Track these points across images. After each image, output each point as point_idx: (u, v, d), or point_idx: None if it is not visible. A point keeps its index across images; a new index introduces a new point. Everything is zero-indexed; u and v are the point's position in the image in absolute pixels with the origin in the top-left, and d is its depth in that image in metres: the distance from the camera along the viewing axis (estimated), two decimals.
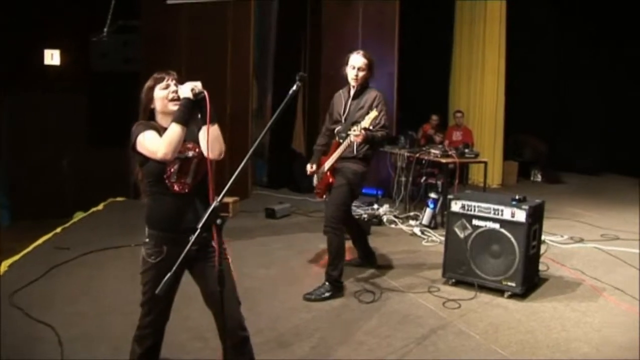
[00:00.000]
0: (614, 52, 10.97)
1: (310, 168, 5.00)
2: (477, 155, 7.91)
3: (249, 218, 7.46)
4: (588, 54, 11.09)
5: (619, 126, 11.09)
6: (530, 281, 4.85)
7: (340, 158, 4.75)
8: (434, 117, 10.10)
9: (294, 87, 2.72)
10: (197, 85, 2.76)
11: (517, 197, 4.79)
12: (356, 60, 4.70)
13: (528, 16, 10.30)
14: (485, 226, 4.80)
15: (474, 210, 4.85)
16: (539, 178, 11.10)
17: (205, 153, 2.74)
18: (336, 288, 4.73)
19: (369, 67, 4.71)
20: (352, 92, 4.78)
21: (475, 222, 4.85)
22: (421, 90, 10.18)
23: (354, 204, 6.27)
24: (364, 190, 7.23)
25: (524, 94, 10.53)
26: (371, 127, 4.50)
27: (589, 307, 4.63)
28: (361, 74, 4.69)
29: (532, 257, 4.82)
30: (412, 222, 7.15)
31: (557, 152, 11.04)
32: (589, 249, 6.29)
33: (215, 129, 2.74)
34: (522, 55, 10.31)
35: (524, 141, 11.17)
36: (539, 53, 10.91)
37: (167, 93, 2.84)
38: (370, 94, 4.71)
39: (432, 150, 7.73)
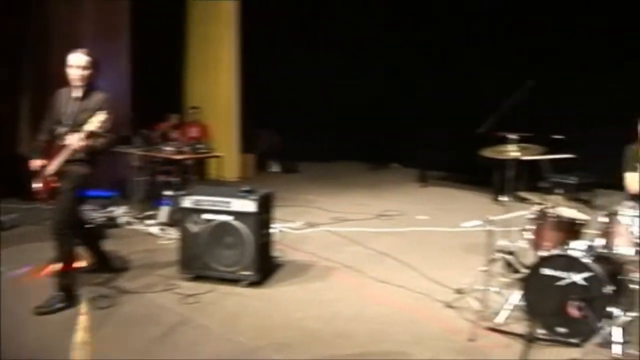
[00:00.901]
0: (332, 43, 12.34)
1: (35, 163, 4.88)
2: (210, 150, 8.35)
3: None
4: (320, 47, 12.30)
5: (351, 115, 12.48)
6: (265, 268, 5.38)
7: (65, 161, 4.76)
8: (174, 116, 10.32)
9: None
10: None
11: (246, 189, 5.28)
12: (76, 59, 4.73)
13: (262, 12, 11.01)
14: (217, 219, 5.21)
15: (205, 205, 5.23)
16: (276, 168, 12.04)
17: None
18: (69, 297, 4.73)
19: (93, 66, 4.77)
20: (75, 92, 4.80)
21: (207, 216, 5.22)
22: (156, 88, 10.30)
23: (88, 207, 6.28)
24: (99, 193, 7.20)
25: (260, 88, 11.26)
26: (97, 130, 4.60)
27: (321, 286, 5.32)
28: (85, 73, 4.74)
29: (264, 245, 5.36)
30: (149, 222, 7.32)
31: (293, 142, 11.99)
32: (322, 232, 7.13)
33: None
34: (257, 51, 11.04)
35: (259, 134, 11.97)
36: (274, 49, 11.72)
37: None
38: (97, 96, 4.77)
39: (166, 148, 7.99)
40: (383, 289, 5.25)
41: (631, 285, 3.95)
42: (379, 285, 5.34)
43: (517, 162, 5.27)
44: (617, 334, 3.93)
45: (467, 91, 10.69)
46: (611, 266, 4.33)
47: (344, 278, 5.53)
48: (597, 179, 8.68)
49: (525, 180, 8.82)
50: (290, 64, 11.82)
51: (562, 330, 4.14)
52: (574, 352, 3.93)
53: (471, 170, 9.38)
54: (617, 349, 3.89)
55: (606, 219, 4.24)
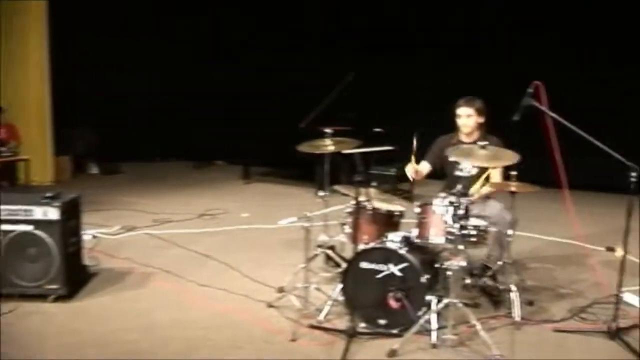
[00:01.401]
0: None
1: None
2: (16, 152, 7.53)
3: None
4: (140, 44, 11.62)
5: (174, 113, 12.02)
6: (75, 280, 4.85)
7: None
8: None
9: None
10: None
11: (49, 194, 4.72)
12: None
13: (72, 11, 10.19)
14: (17, 230, 4.61)
15: (3, 214, 4.60)
16: (95, 170, 11.23)
17: None
18: None
19: None
20: None
21: (5, 227, 4.61)
22: None
23: None
24: None
25: (74, 87, 10.47)
26: None
27: (137, 294, 4.90)
28: None
29: (73, 255, 4.82)
30: None
31: (113, 142, 11.29)
32: (141, 236, 6.66)
33: None
34: (71, 49, 10.24)
35: (75, 134, 11.10)
36: (86, 49, 10.93)
37: None
38: None
39: None
40: (203, 293, 4.95)
41: (446, 272, 3.98)
42: (199, 289, 5.03)
43: (339, 156, 5.21)
44: (434, 321, 3.97)
45: (290, 85, 10.61)
46: (426, 255, 4.40)
47: (163, 284, 5.15)
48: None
49: (347, 174, 9.06)
50: (110, 61, 11.09)
51: (382, 322, 4.11)
52: (395, 342, 3.90)
53: (294, 165, 9.32)
54: (434, 336, 3.91)
55: (420, 209, 4.25)
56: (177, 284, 5.13)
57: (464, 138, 5.00)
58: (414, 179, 4.97)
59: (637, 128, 9.16)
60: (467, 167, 4.74)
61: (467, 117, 4.88)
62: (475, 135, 4.94)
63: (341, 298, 4.30)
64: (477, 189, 4.75)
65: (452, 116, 5.04)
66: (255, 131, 9.92)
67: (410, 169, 4.89)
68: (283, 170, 10.48)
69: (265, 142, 9.64)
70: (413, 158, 4.83)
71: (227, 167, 11.90)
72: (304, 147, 4.86)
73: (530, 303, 4.67)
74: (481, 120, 4.90)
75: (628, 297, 4.67)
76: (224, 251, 6.08)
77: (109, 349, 3.93)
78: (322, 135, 4.93)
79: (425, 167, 5.13)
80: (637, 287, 5.03)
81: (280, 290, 4.83)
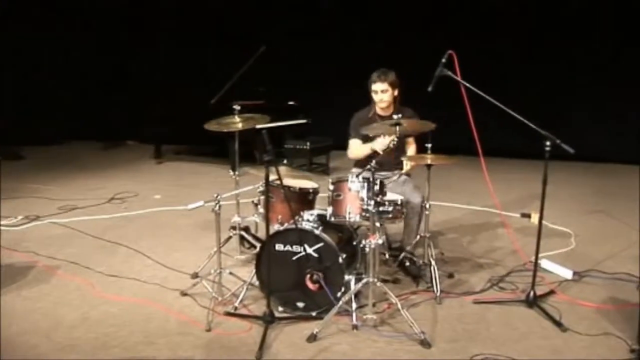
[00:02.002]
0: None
1: None
2: None
3: None
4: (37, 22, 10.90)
5: (78, 91, 11.43)
6: None
7: None
8: None
9: None
10: None
11: None
12: None
13: None
14: None
15: None
16: None
17: None
18: None
19: None
20: None
21: None
22: None
23: None
24: None
25: None
26: None
27: (41, 290, 4.50)
28: None
29: None
30: None
31: (13, 126, 10.60)
32: (46, 225, 6.20)
33: None
34: None
35: None
36: None
37: None
38: None
39: None
40: (113, 284, 4.62)
41: (364, 250, 3.84)
42: (108, 281, 4.69)
43: (253, 132, 4.97)
44: (353, 301, 3.84)
45: (202, 61, 10.26)
46: (343, 234, 4.26)
47: (69, 277, 4.76)
48: (332, 142, 8.81)
49: (260, 150, 8.83)
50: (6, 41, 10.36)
51: (301, 305, 3.96)
52: (315, 326, 3.74)
53: (208, 143, 8.99)
54: (355, 317, 3.78)
55: (334, 187, 4.08)
56: (84, 277, 4.76)
57: (380, 112, 4.85)
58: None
59: (552, 96, 9.40)
60: (383, 142, 4.64)
61: (382, 93, 4.71)
62: (391, 108, 4.81)
63: (257, 282, 4.10)
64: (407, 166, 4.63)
65: (367, 91, 4.87)
66: (166, 108, 9.50)
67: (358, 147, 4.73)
68: (197, 147, 10.13)
69: (178, 120, 9.23)
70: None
71: (139, 146, 11.41)
72: (212, 126, 4.58)
73: (450, 275, 4.63)
74: (396, 93, 4.76)
75: (544, 263, 4.69)
76: (135, 237, 5.75)
77: (7, 355, 3.58)
78: (231, 112, 4.68)
79: (358, 143, 4.89)
80: (553, 253, 5.09)
81: (195, 276, 4.59)
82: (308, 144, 8.68)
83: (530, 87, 9.33)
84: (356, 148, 4.82)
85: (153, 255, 5.22)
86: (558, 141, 3.70)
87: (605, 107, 9.22)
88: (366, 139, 4.74)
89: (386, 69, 4.76)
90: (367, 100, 4.89)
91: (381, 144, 4.54)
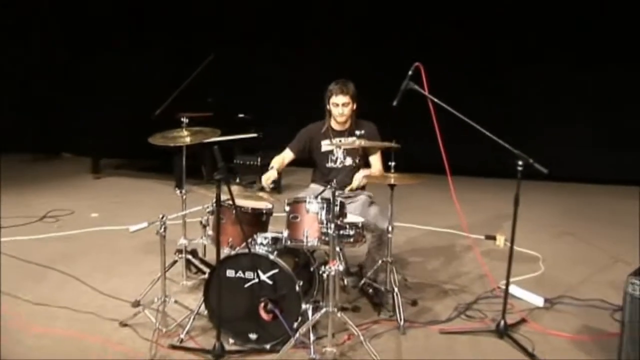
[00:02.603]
0: None
1: None
2: None
3: None
4: None
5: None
6: None
7: None
8: None
9: None
10: None
11: None
12: None
13: None
14: None
15: None
16: None
17: None
18: None
19: None
20: None
21: None
22: None
23: None
24: None
25: None
26: None
27: None
28: None
29: None
30: None
31: None
32: None
33: None
34: None
35: None
36: None
37: None
38: None
39: None
40: (43, 313, 4.44)
41: (323, 277, 3.78)
42: (38, 310, 4.51)
43: (200, 146, 4.90)
44: (311, 332, 3.78)
45: (145, 69, 10.10)
46: (299, 258, 4.22)
47: None
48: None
49: (208, 166, 8.74)
50: None
51: (253, 336, 3.88)
52: (270, 359, 3.66)
53: (151, 157, 8.85)
54: (312, 350, 3.71)
55: (291, 208, 4.02)
56: (10, 305, 4.56)
57: (336, 126, 4.83)
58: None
59: (523, 112, 9.54)
60: (339, 158, 4.61)
61: (343, 106, 4.68)
62: (348, 123, 4.80)
63: (205, 312, 4.00)
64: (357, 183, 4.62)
65: (321, 103, 4.85)
66: (107, 118, 9.35)
67: (267, 179, 4.69)
68: (139, 162, 9.96)
69: (118, 131, 9.07)
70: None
71: (75, 159, 11.16)
72: (158, 140, 4.49)
73: (414, 303, 4.61)
74: (355, 106, 4.75)
75: (514, 289, 4.71)
76: (68, 260, 5.57)
77: None
78: (178, 125, 4.59)
79: (288, 156, 4.92)
80: (521, 278, 5.12)
81: (136, 304, 4.45)
82: (259, 159, 8.62)
83: (500, 102, 9.44)
84: (277, 161, 4.82)
85: (89, 280, 5.06)
86: (531, 160, 3.72)
87: (577, 124, 9.39)
88: (305, 153, 4.84)
89: (345, 79, 4.75)
90: (321, 112, 4.88)
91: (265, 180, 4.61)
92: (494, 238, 6.27)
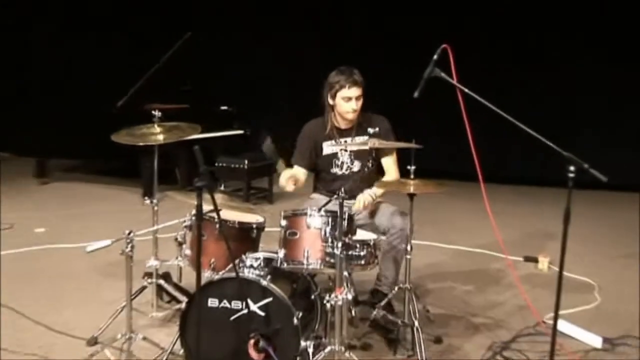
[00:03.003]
0: None
1: None
2: None
3: None
4: None
5: None
6: None
7: None
8: None
9: None
10: None
11: None
12: None
13: None
14: None
15: None
16: None
17: None
18: None
19: None
20: None
21: None
22: None
23: None
24: None
25: None
26: None
27: None
28: None
29: None
30: None
31: None
32: None
33: None
34: None
35: None
36: None
37: None
38: None
39: None
40: None
41: (327, 308, 3.82)
42: None
43: (175, 145, 4.92)
44: None
45: (106, 53, 10.20)
46: (298, 284, 4.24)
47: None
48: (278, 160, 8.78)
49: (185, 170, 8.78)
50: None
51: None
52: None
53: (111, 157, 8.90)
54: None
55: (288, 222, 4.05)
56: None
57: (341, 124, 4.87)
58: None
59: (571, 109, 9.59)
60: (345, 163, 4.63)
61: (357, 100, 4.72)
62: (355, 119, 4.84)
63: (181, 351, 4.03)
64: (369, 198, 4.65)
65: (318, 94, 4.89)
66: (57, 111, 9.39)
67: (286, 178, 4.65)
68: (96, 164, 10.00)
69: (71, 126, 9.14)
70: (281, 162, 4.67)
71: (16, 160, 11.14)
72: (123, 137, 4.52)
73: (438, 340, 4.65)
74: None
75: (563, 325, 4.72)
76: (6, 287, 5.55)
77: None
78: (148, 119, 4.62)
79: (300, 173, 4.89)
80: (572, 311, 5.14)
81: (92, 342, 4.49)
82: (245, 162, 8.64)
83: (545, 96, 9.50)
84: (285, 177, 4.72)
85: (32, 313, 5.06)
86: (586, 166, 3.71)
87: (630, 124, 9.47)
88: (312, 165, 4.89)
89: (348, 66, 4.77)
90: (318, 105, 4.92)
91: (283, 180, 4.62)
92: (535, 260, 6.31)
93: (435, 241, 6.94)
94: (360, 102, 4.74)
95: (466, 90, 4.01)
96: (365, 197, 4.61)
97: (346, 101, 4.72)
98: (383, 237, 4.56)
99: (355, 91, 4.69)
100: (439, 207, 8.04)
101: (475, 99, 3.86)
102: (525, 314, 5.06)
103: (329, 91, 4.79)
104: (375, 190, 4.69)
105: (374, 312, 4.65)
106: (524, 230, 7.37)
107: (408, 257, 4.45)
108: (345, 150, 4.84)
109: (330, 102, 4.81)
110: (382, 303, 4.65)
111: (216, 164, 8.79)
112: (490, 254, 6.55)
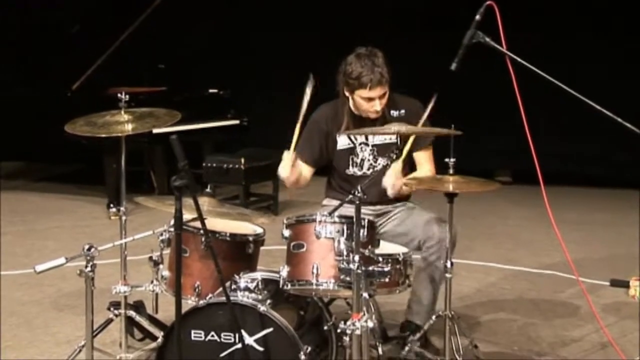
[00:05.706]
0: None
1: None
2: None
3: None
4: None
5: None
6: None
7: None
8: None
9: None
10: None
11: None
12: None
13: None
14: None
15: None
16: None
17: None
18: None
19: None
20: None
21: None
22: None
23: None
24: None
25: None
26: None
27: None
28: None
29: None
30: None
31: None
32: None
33: None
34: None
35: None
36: None
37: None
38: None
39: None
40: None
41: (343, 339, 3.89)
42: None
43: (147, 138, 5.02)
44: None
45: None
46: (305, 312, 4.31)
47: None
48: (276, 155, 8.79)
49: (161, 170, 8.84)
50: None
51: None
52: None
53: (67, 158, 9.03)
54: None
55: (292, 232, 4.12)
56: None
57: (361, 112, 4.85)
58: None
59: None
60: (367, 159, 4.75)
61: (380, 100, 4.70)
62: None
63: None
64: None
65: (332, 75, 4.89)
66: None
67: (286, 166, 4.69)
68: (47, 166, 10.11)
69: (11, 120, 9.18)
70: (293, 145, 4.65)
71: None
72: (79, 127, 4.59)
73: None
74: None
75: None
76: None
77: None
78: (114, 104, 4.69)
79: (304, 170, 4.95)
80: None
81: None
82: (242, 161, 8.59)
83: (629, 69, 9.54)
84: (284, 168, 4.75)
85: None
86: None
87: None
88: (324, 159, 4.94)
89: (370, 52, 4.73)
90: (332, 90, 4.93)
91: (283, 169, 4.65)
92: (626, 285, 6.22)
93: (488, 260, 6.99)
94: (384, 100, 4.71)
95: (520, 60, 3.98)
96: (394, 175, 4.63)
97: (367, 101, 4.70)
98: (417, 255, 4.60)
99: (379, 91, 4.66)
100: (489, 214, 7.99)
101: (531, 72, 3.83)
102: (608, 353, 5.07)
103: (345, 85, 4.77)
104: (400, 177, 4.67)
105: (406, 349, 4.64)
106: (608, 245, 7.42)
107: (448, 275, 4.44)
108: (367, 144, 4.89)
109: (347, 94, 4.80)
110: (416, 337, 4.65)
111: (204, 164, 8.74)
112: (559, 275, 6.56)
